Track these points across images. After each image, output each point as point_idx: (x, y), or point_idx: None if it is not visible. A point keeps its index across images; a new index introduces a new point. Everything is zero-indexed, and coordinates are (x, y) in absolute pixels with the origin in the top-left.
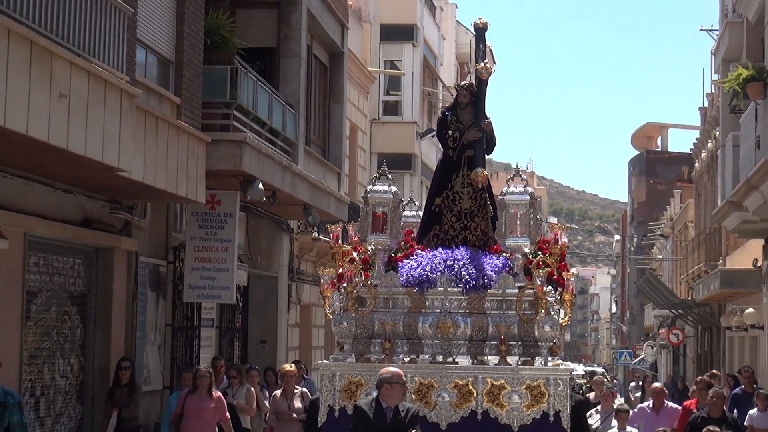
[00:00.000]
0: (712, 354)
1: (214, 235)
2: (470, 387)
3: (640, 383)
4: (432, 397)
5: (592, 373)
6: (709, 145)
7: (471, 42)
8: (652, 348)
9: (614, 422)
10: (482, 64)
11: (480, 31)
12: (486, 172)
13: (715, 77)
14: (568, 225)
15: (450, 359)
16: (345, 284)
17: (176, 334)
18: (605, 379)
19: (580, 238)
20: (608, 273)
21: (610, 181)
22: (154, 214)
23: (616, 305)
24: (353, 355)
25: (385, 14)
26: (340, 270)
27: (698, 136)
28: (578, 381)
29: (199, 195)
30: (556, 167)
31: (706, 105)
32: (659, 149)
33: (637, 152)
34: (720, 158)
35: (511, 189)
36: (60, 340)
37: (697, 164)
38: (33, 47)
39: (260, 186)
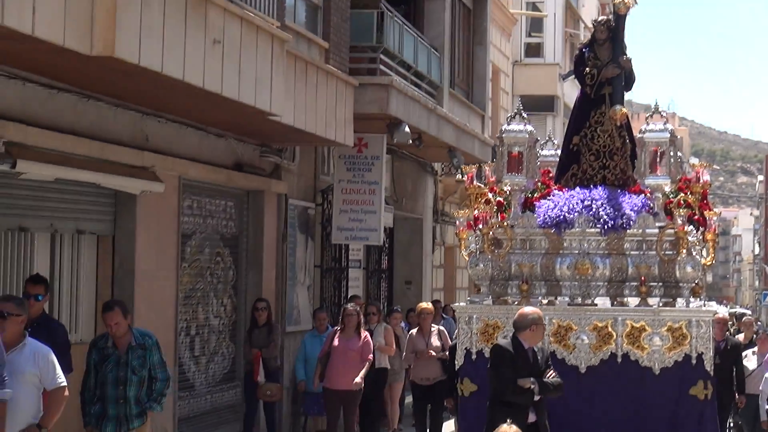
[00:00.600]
0: None
1: (361, 178)
2: (610, 329)
3: None
4: (570, 340)
5: (741, 315)
6: None
7: None
8: None
9: None
10: None
11: None
12: (625, 110)
13: None
14: (710, 164)
15: (589, 301)
16: (481, 226)
17: (325, 275)
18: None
19: (722, 178)
20: (751, 214)
21: (753, 121)
22: (303, 158)
23: (760, 246)
24: (490, 298)
25: None
26: (476, 211)
27: None
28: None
29: (347, 138)
30: (697, 107)
31: None
32: None
33: None
34: None
35: (651, 126)
36: (213, 280)
37: None
38: None
39: (406, 129)
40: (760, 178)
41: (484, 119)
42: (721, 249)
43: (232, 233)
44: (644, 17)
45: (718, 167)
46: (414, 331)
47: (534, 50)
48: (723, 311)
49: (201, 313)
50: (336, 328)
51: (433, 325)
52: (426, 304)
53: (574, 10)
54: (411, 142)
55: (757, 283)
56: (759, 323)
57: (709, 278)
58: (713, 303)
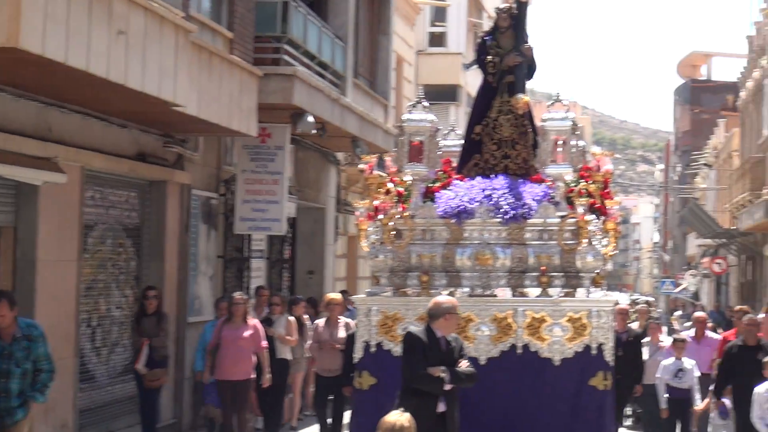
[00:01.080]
0: (755, 283)
1: (264, 168)
2: (510, 320)
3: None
4: (471, 331)
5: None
6: (756, 74)
7: None
8: (695, 277)
9: (665, 354)
10: None
11: None
12: (527, 98)
13: (763, 5)
14: (611, 152)
15: (489, 292)
16: (381, 216)
17: (227, 266)
18: (650, 308)
19: (622, 167)
20: (651, 203)
21: (654, 111)
22: (206, 148)
23: (659, 234)
24: (390, 289)
25: None
26: (376, 202)
27: (745, 65)
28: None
29: (251, 128)
30: (598, 97)
31: (753, 33)
32: (704, 77)
33: (682, 81)
34: (765, 89)
35: (552, 115)
36: (115, 271)
37: (742, 93)
38: None
39: (310, 119)
40: (660, 166)
41: (387, 109)
42: (621, 237)
43: (134, 224)
44: (547, 7)
45: (619, 156)
46: (320, 321)
47: (437, 39)
48: (624, 301)
49: (103, 304)
50: (222, 318)
51: (340, 317)
52: (334, 295)
53: None
54: (315, 132)
55: (655, 271)
56: (658, 311)
57: (610, 266)
58: (615, 292)
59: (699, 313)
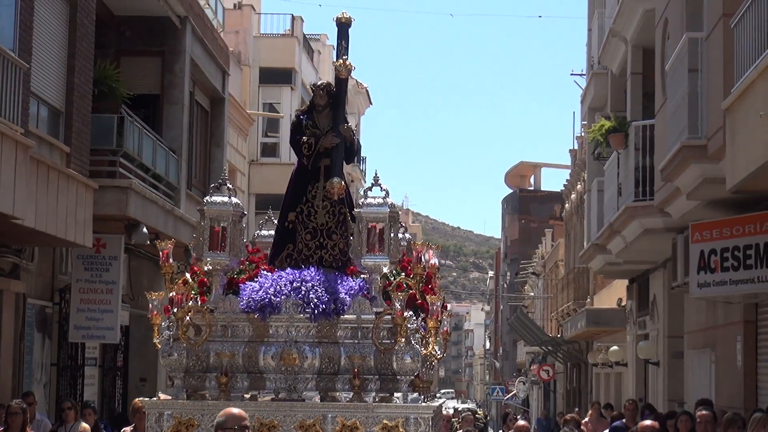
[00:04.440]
0: (580, 390)
1: (99, 277)
2: (318, 428)
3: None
4: None
5: (462, 410)
6: (579, 186)
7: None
8: (524, 384)
9: None
10: (341, 61)
11: (343, 26)
12: (344, 183)
13: (584, 122)
14: (436, 245)
15: (296, 395)
16: (175, 309)
17: (61, 373)
18: (476, 415)
19: (455, 274)
20: (482, 309)
21: (485, 218)
22: (41, 257)
23: (490, 341)
24: (185, 392)
25: (264, 58)
26: (172, 293)
27: (568, 177)
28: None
29: (86, 239)
30: (431, 204)
31: (576, 147)
32: (532, 188)
33: (510, 191)
34: (586, 202)
35: (369, 200)
36: None
37: (567, 205)
38: None
39: (144, 230)
40: (491, 273)
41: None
42: (453, 343)
43: None
44: (377, 114)
45: (452, 263)
46: (128, 429)
47: (270, 149)
48: (450, 406)
49: None
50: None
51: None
52: (139, 401)
53: None
54: (148, 242)
55: (487, 377)
56: (488, 417)
57: (442, 373)
58: (447, 400)
59: (521, 422)
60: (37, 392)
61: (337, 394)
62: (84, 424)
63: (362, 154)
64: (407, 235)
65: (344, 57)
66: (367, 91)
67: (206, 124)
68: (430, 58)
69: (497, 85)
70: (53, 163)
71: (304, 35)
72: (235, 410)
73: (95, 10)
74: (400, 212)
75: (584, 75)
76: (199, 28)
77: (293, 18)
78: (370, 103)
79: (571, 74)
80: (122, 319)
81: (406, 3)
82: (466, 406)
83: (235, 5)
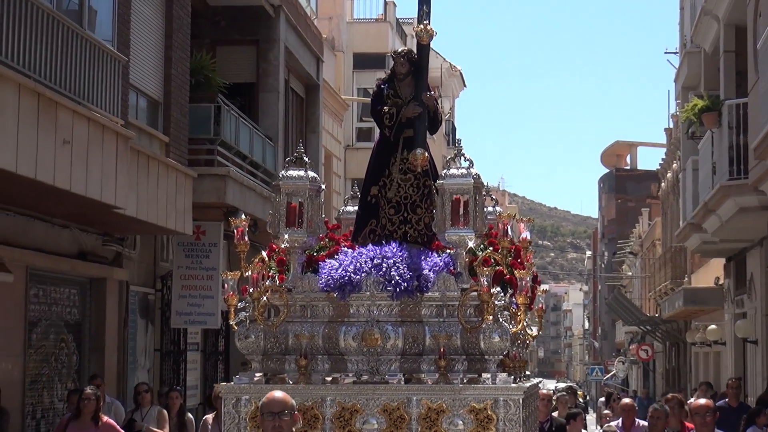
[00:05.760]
0: (679, 369)
1: (199, 264)
2: (402, 411)
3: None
4: (357, 425)
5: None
6: (674, 165)
7: (441, 66)
8: (623, 363)
9: None
10: (421, 26)
11: None
12: (427, 154)
13: (678, 101)
14: (530, 218)
15: (378, 378)
16: (251, 290)
17: (164, 359)
18: (577, 396)
19: (552, 254)
20: (580, 289)
21: (582, 198)
22: (143, 245)
23: (589, 321)
24: (263, 375)
25: (357, 43)
26: (248, 273)
27: (664, 156)
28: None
29: (186, 227)
30: (527, 185)
31: (671, 126)
32: (628, 167)
33: (606, 170)
34: (681, 182)
35: (452, 172)
36: (58, 366)
37: (663, 184)
38: (40, 99)
39: (243, 216)
40: (589, 253)
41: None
42: (552, 324)
43: (75, 320)
44: (472, 97)
45: (550, 244)
46: (209, 416)
47: (365, 134)
48: (549, 387)
49: (46, 397)
50: (68, 415)
51: None
52: (218, 386)
53: None
54: (248, 229)
55: (586, 357)
56: (587, 397)
57: (541, 353)
58: (543, 379)
59: (626, 400)
60: (141, 377)
61: (422, 375)
62: (160, 409)
63: (457, 136)
64: (497, 209)
65: (425, 22)
66: (461, 73)
67: (301, 111)
68: (523, 40)
69: (592, 65)
70: (153, 153)
71: (397, 20)
72: (279, 393)
73: (190, 1)
74: (491, 190)
75: (678, 54)
76: (293, 16)
77: (386, 3)
78: (465, 85)
79: (665, 53)
80: (223, 305)
81: None
82: (564, 385)
83: None
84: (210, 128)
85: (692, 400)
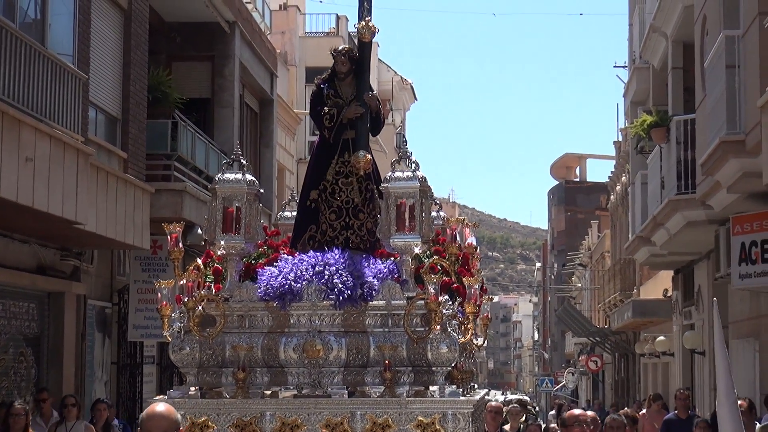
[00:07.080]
0: (628, 380)
1: (156, 278)
2: (346, 426)
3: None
4: None
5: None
6: (624, 178)
7: (393, 79)
8: (573, 375)
9: None
10: (363, 23)
11: None
12: (370, 157)
13: (627, 117)
14: (475, 223)
15: (320, 391)
16: (186, 299)
17: (121, 371)
18: (529, 408)
19: (502, 265)
20: (530, 301)
21: (532, 209)
22: (100, 259)
23: (539, 333)
24: (198, 389)
25: (310, 57)
26: (182, 281)
27: (613, 168)
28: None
29: (144, 242)
30: (477, 196)
31: (620, 139)
32: (578, 179)
33: (556, 182)
34: (630, 195)
35: (397, 175)
36: (17, 379)
37: (612, 196)
38: (4, 117)
39: (199, 231)
40: (538, 265)
41: (270, 217)
42: (502, 335)
43: (34, 333)
44: (421, 109)
45: (499, 255)
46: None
47: None
48: (498, 399)
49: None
50: None
51: None
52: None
53: None
54: (203, 243)
55: (536, 368)
56: (537, 409)
57: (491, 364)
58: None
59: (576, 411)
60: (98, 390)
61: (367, 388)
62: (87, 424)
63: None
64: (442, 213)
65: (367, 18)
66: (412, 86)
67: (256, 126)
68: (474, 54)
69: (541, 78)
70: (112, 169)
71: (349, 33)
72: (161, 408)
73: (148, 18)
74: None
75: (626, 67)
76: (248, 32)
77: (338, 17)
78: (415, 98)
79: (614, 66)
80: None
81: (449, 3)
82: (515, 397)
83: (280, 6)
84: (167, 144)
85: (644, 411)
